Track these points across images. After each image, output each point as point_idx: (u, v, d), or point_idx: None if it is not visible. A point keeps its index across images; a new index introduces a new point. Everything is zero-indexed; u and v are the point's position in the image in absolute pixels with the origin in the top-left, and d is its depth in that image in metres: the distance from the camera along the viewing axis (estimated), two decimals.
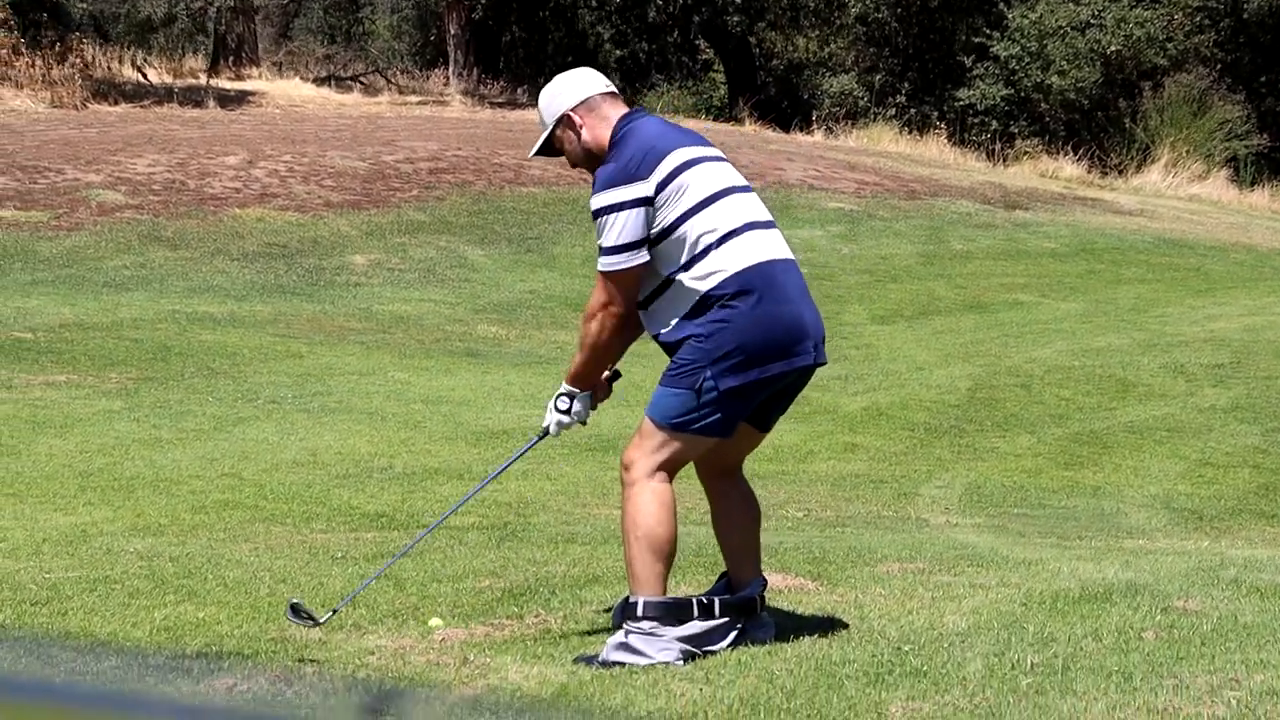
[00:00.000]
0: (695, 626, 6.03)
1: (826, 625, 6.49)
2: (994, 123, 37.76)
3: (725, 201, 6.03)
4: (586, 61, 46.40)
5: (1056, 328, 19.60)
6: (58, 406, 12.99)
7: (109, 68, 35.09)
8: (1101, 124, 37.96)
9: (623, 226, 5.92)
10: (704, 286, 5.92)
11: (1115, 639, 6.12)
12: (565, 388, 6.33)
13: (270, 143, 26.42)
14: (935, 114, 38.54)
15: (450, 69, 43.26)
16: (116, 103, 31.37)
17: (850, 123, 38.14)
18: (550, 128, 6.25)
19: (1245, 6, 38.30)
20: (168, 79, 35.13)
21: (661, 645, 5.96)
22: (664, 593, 6.05)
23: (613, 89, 6.29)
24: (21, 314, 16.42)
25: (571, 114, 6.18)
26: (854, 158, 32.04)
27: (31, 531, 8.96)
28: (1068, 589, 7.10)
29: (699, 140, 6.25)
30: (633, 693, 5.52)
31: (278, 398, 13.81)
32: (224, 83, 35.63)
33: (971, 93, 38.23)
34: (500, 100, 37.51)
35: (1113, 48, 37.34)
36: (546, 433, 6.49)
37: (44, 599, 7.02)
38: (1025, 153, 36.18)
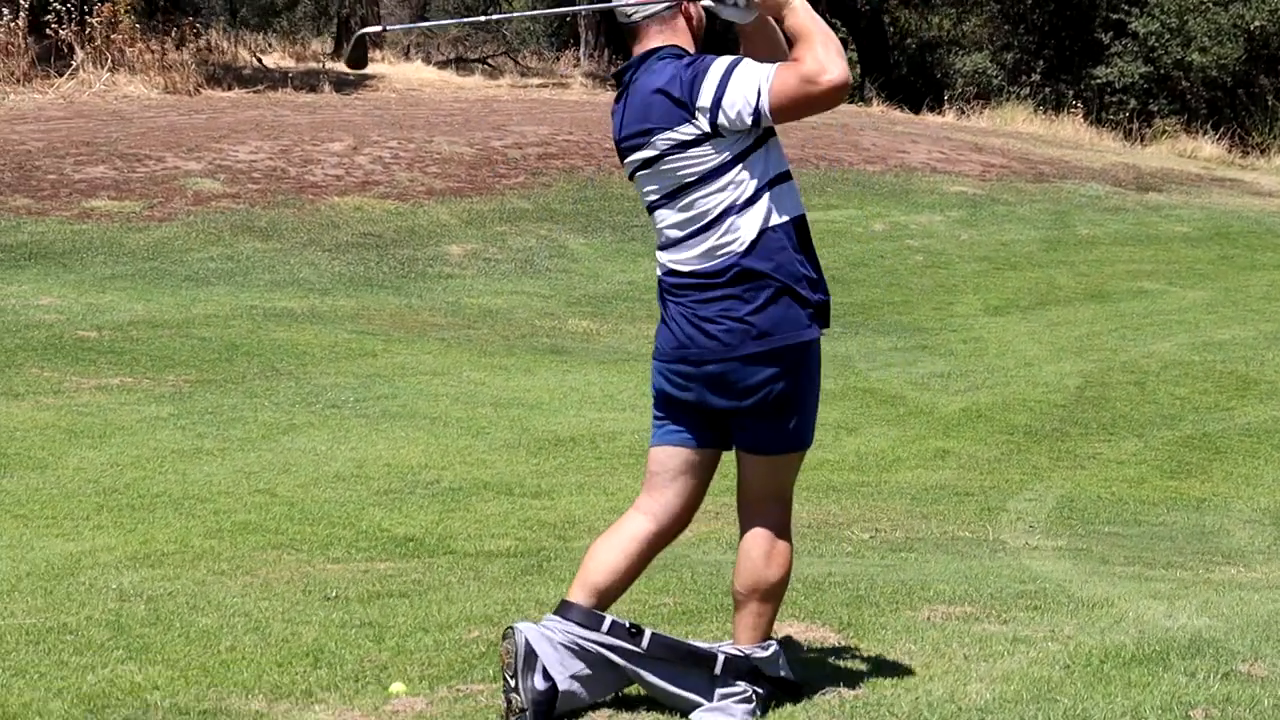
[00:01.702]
0: (597, 636, 5.43)
1: (833, 696, 5.66)
2: (1132, 101, 36.61)
3: (651, 219, 5.60)
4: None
5: (1180, 319, 18.57)
6: (102, 413, 12.38)
7: (231, 52, 34.72)
8: (1244, 102, 36.63)
9: None
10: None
11: (1158, 719, 5.26)
12: None
13: (379, 128, 25.83)
14: (1071, 93, 37.42)
15: (580, 50, 42.65)
16: (230, 88, 30.92)
17: (983, 102, 37.12)
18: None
19: None
20: (289, 63, 34.71)
21: (550, 627, 5.44)
22: (585, 602, 5.52)
23: (653, 6, 5.38)
24: (92, 310, 15.87)
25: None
26: (982, 139, 30.98)
27: (18, 563, 8.32)
28: (1122, 646, 6.23)
29: (631, 146, 5.49)
30: None
31: (338, 401, 13.14)
32: (344, 66, 35.11)
33: (1109, 70, 37.08)
34: None
35: (1257, 23, 36.04)
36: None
37: None
38: (1164, 132, 35.00)
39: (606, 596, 5.49)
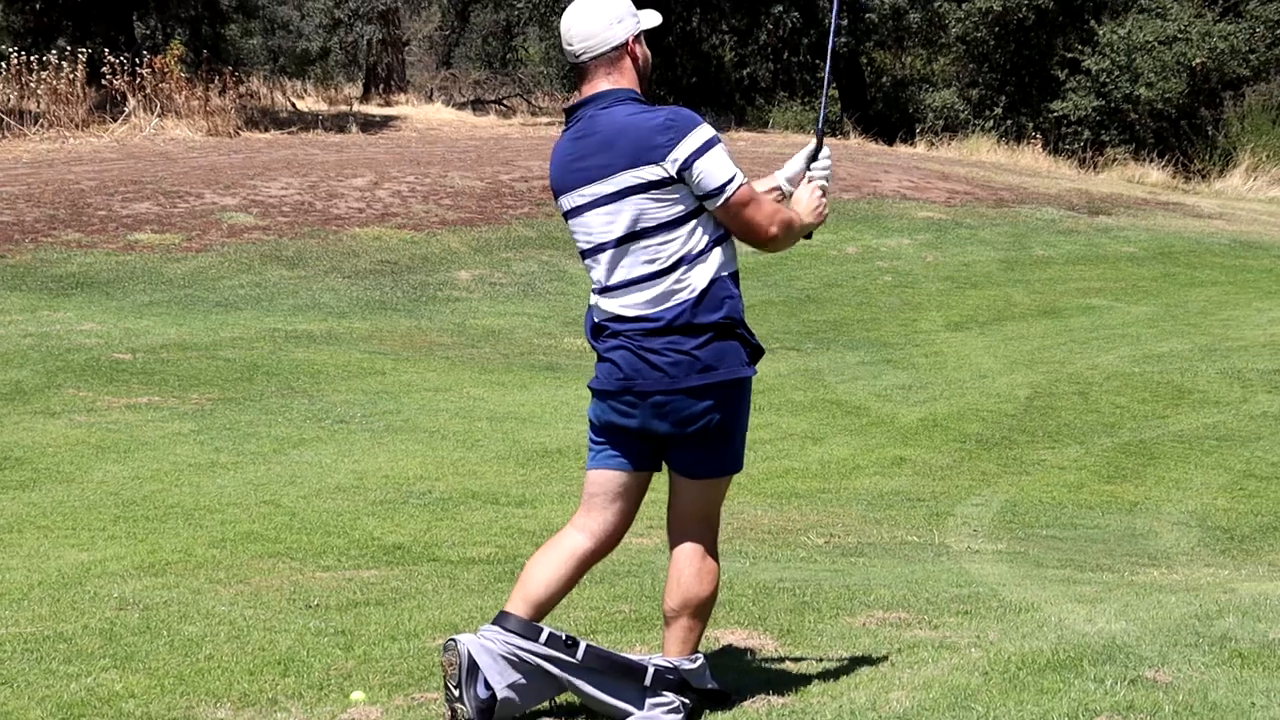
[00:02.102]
0: (533, 646, 5.16)
1: (762, 703, 5.43)
2: (1086, 132, 36.31)
3: (589, 261, 5.31)
4: (712, 81, 45.40)
5: (1124, 332, 18.31)
6: (130, 430, 12.17)
7: (269, 97, 34.58)
8: (1186, 132, 36.35)
9: None
10: (586, 319, 5.49)
11: None
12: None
13: (398, 165, 25.62)
14: (1030, 125, 37.13)
15: None
16: (267, 130, 30.75)
17: (951, 134, 36.89)
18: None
19: None
20: (321, 106, 34.55)
21: (491, 639, 5.16)
22: (523, 615, 5.24)
23: (603, 46, 5.18)
24: (129, 335, 15.66)
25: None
26: (949, 168, 30.72)
27: (32, 572, 8.11)
28: (1039, 651, 5.99)
29: (582, 179, 5.20)
30: None
31: (347, 417, 12.92)
32: (371, 109, 34.98)
33: (1065, 104, 36.79)
34: None
35: (1197, 60, 35.77)
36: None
37: None
38: (1114, 160, 34.71)
39: (543, 608, 5.27)
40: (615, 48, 5.21)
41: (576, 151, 5.22)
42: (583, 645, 5.22)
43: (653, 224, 5.15)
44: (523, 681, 5.13)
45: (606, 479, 5.35)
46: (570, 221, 5.31)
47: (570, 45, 5.23)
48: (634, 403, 5.22)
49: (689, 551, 5.36)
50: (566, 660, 5.17)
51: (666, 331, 5.17)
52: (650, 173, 5.12)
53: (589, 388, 5.37)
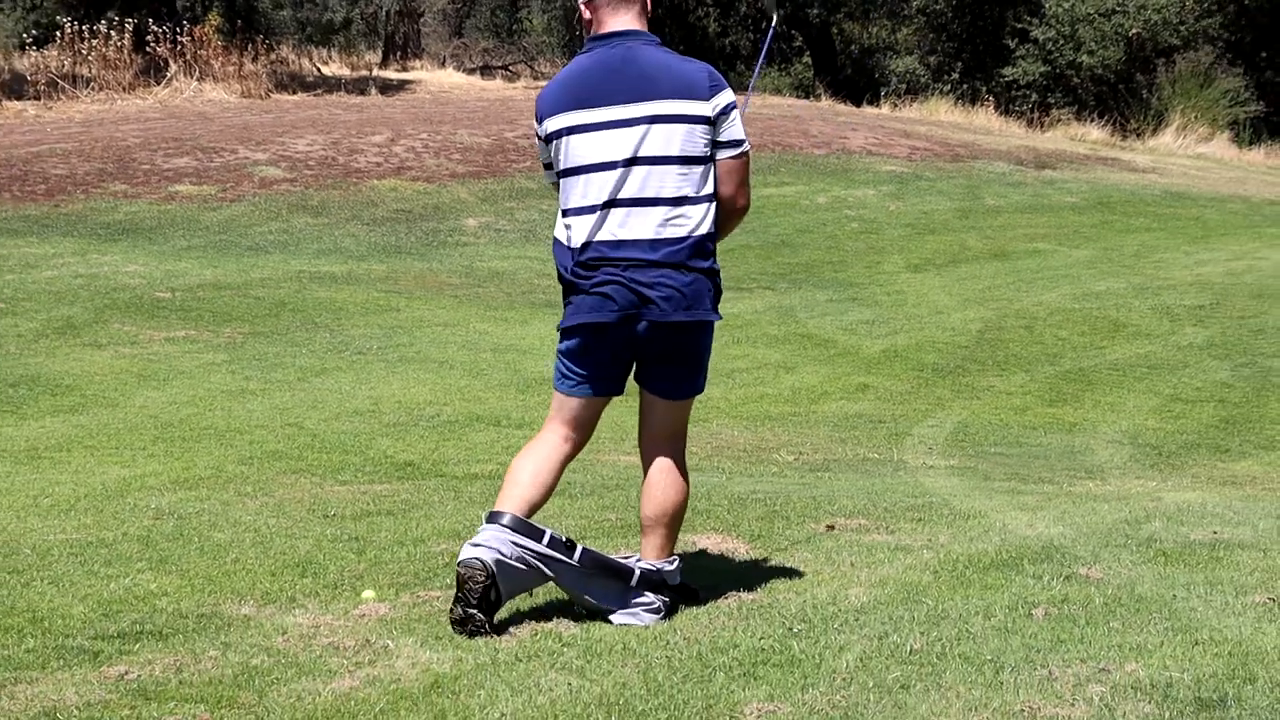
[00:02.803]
0: (536, 545, 5.05)
1: (733, 600, 5.39)
2: (1034, 95, 36.14)
3: (581, 179, 5.11)
4: (698, 49, 45.11)
5: (1066, 273, 18.20)
6: (168, 360, 12.08)
7: (297, 63, 34.27)
8: (1123, 95, 36.12)
9: (539, 148, 5.32)
10: (563, 238, 5.22)
11: (1005, 617, 4.98)
12: None
13: (413, 124, 25.41)
14: (984, 89, 36.94)
15: None
16: (295, 93, 30.47)
17: (912, 97, 36.70)
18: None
19: None
20: (344, 72, 34.26)
21: (502, 538, 5.02)
22: (520, 513, 5.11)
23: None
24: (169, 276, 15.54)
25: (583, 6, 5.22)
26: (910, 127, 30.52)
27: (79, 486, 8.04)
28: (984, 553, 5.96)
29: (613, 98, 5.05)
30: (500, 687, 4.46)
31: (364, 349, 12.83)
32: (389, 73, 34.69)
33: (1014, 70, 36.60)
34: None
35: (1134, 30, 35.57)
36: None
37: (23, 567, 6.06)
38: (1059, 120, 34.50)
39: (534, 507, 5.18)
40: None
41: (603, 73, 5.06)
42: (579, 548, 5.15)
43: (673, 154, 5.04)
44: (518, 580, 5.07)
45: (587, 404, 5.26)
46: (560, 140, 5.11)
47: None
48: (627, 334, 5.12)
49: (664, 465, 5.30)
50: (564, 561, 5.11)
51: (657, 265, 5.08)
52: (693, 108, 5.05)
53: (568, 326, 5.16)
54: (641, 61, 5.06)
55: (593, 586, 5.16)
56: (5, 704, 4.38)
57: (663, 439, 5.31)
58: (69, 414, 10.30)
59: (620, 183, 5.06)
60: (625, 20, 5.12)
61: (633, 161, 5.05)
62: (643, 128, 5.04)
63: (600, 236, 5.09)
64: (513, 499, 5.14)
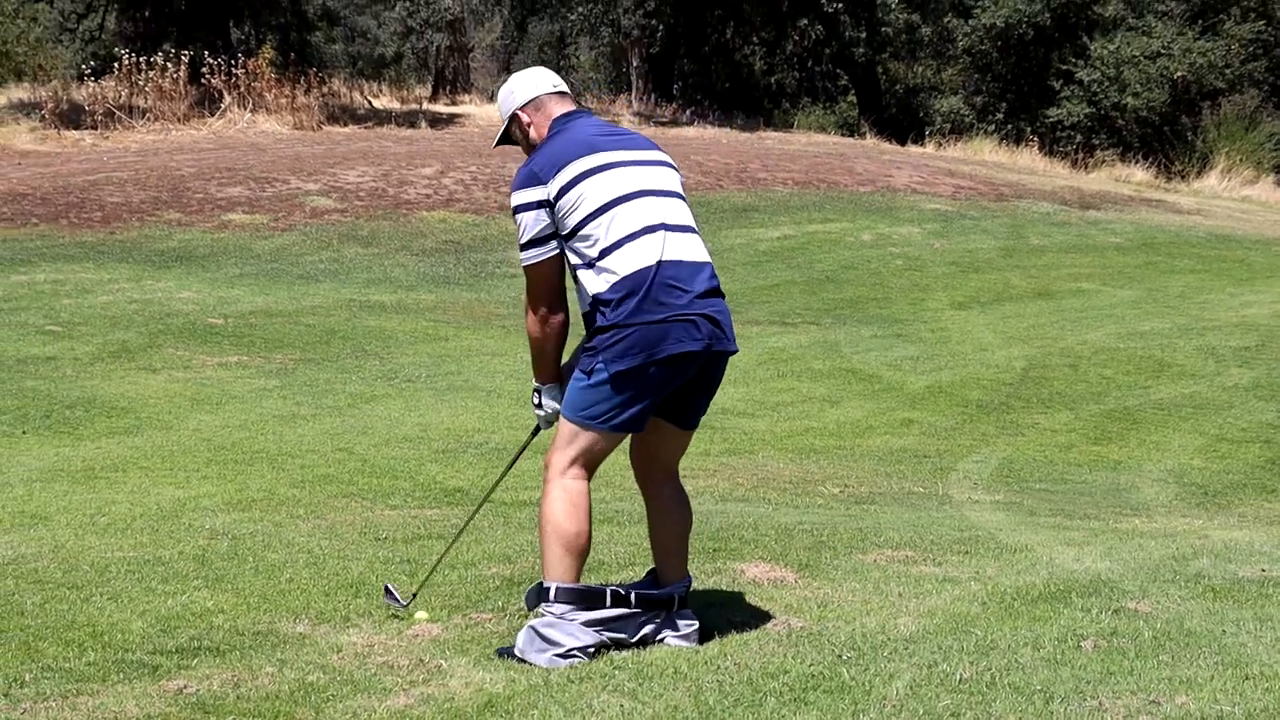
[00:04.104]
0: (606, 613, 5.05)
1: (782, 626, 5.40)
2: (1078, 136, 36.08)
3: (629, 205, 5.01)
4: (744, 87, 45.22)
5: (1110, 313, 18.13)
6: (221, 385, 12.18)
7: (349, 96, 34.54)
8: (1168, 137, 36.06)
9: (527, 225, 5.03)
10: (600, 286, 4.97)
11: (1054, 648, 4.96)
12: (534, 384, 5.33)
13: (462, 156, 25.56)
14: (1028, 129, 36.89)
15: (632, 94, 42.32)
16: (346, 125, 30.70)
17: (956, 137, 36.67)
18: (505, 124, 5.34)
19: None
20: (395, 105, 34.49)
21: (569, 630, 4.98)
22: (576, 581, 5.04)
23: (561, 88, 5.28)
24: (222, 302, 15.67)
25: (520, 113, 5.25)
26: (955, 166, 30.52)
27: (135, 506, 8.11)
28: (1032, 585, 5.95)
29: (622, 145, 5.15)
30: (553, 708, 4.48)
31: (413, 376, 12.90)
32: (439, 107, 34.89)
33: (1059, 111, 36.56)
34: (665, 120, 36.36)
35: (1179, 73, 35.50)
36: (538, 428, 5.49)
37: (82, 583, 6.13)
38: (1103, 161, 34.44)
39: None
40: None
41: (596, 131, 5.17)
42: (633, 594, 5.16)
43: (681, 193, 5.23)
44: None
45: (618, 440, 5.14)
46: (582, 183, 4.97)
47: (557, 80, 5.29)
48: (700, 362, 5.05)
49: (679, 489, 5.38)
50: (627, 612, 5.12)
51: (715, 294, 5.11)
52: (673, 166, 5.30)
53: (660, 359, 4.93)
54: (613, 125, 5.32)
55: (647, 620, 5.17)
56: (68, 715, 4.43)
57: (674, 465, 5.35)
58: (124, 435, 10.39)
59: (668, 210, 5.10)
60: (568, 106, 5.27)
61: (671, 194, 5.15)
62: (660, 168, 5.19)
63: (669, 256, 5.00)
64: (571, 569, 5.06)
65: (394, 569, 6.42)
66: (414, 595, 5.74)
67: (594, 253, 4.97)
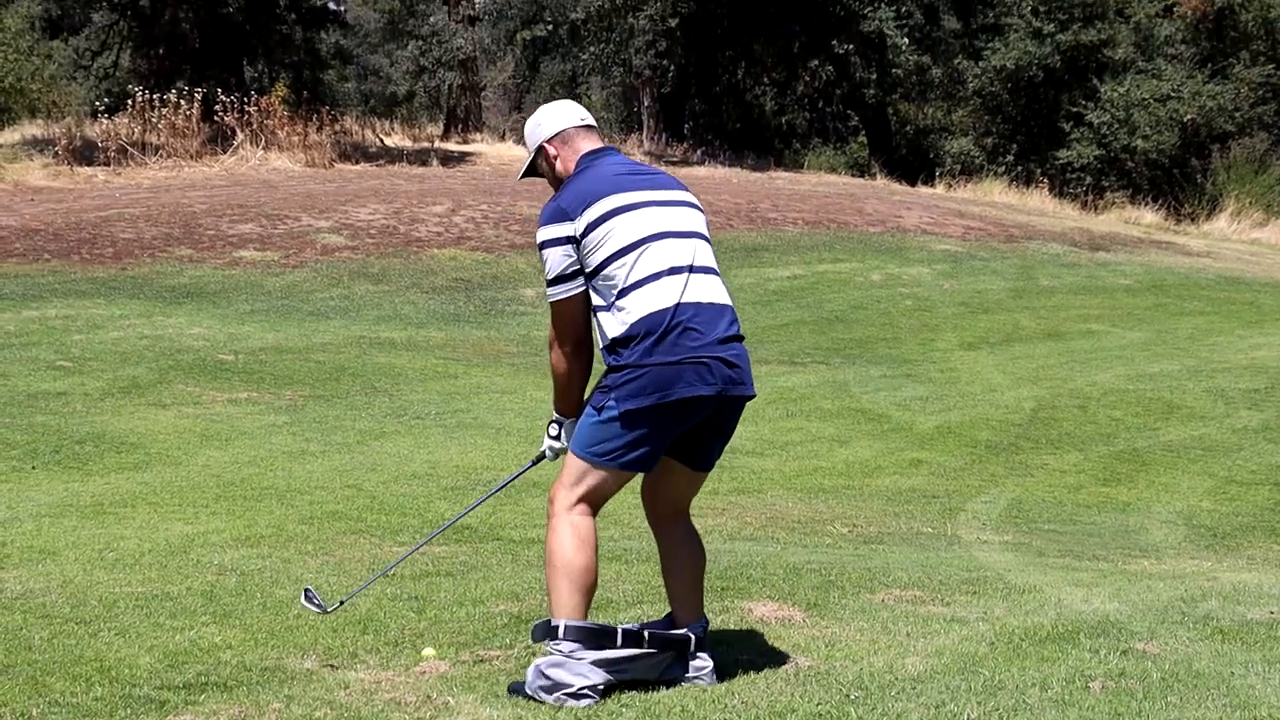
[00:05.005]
0: (615, 653, 5.00)
1: (790, 665, 5.39)
2: (1088, 178, 36.12)
3: (653, 247, 5.00)
4: (755, 127, 45.34)
5: (1119, 354, 18.14)
6: (231, 421, 12.20)
7: (360, 134, 34.68)
8: (1178, 180, 36.11)
9: (554, 261, 5.02)
10: (617, 328, 4.96)
11: (1062, 689, 4.96)
12: (554, 416, 5.33)
13: (473, 195, 25.64)
14: (1038, 170, 36.98)
15: (644, 133, 42.45)
16: (358, 162, 30.82)
17: (967, 178, 36.76)
18: (531, 156, 5.34)
19: None
20: (406, 143, 34.62)
21: (579, 670, 4.94)
22: (584, 619, 5.02)
23: (589, 122, 5.28)
24: (233, 339, 15.71)
25: (547, 145, 5.26)
26: (965, 207, 30.58)
27: (144, 541, 8.11)
28: (1040, 626, 5.93)
29: (649, 185, 5.14)
30: None
31: (423, 414, 12.92)
32: (451, 145, 35.01)
33: (1069, 153, 36.61)
34: (676, 159, 36.46)
35: (1188, 116, 35.56)
36: (543, 456, 5.49)
37: (90, 618, 6.13)
38: (1113, 203, 34.50)
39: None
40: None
41: (623, 169, 5.16)
42: (647, 634, 5.12)
43: (706, 234, 5.21)
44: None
45: (626, 479, 5.14)
46: (610, 221, 4.98)
47: (585, 114, 5.29)
48: (719, 405, 5.04)
49: (693, 529, 5.37)
50: (639, 653, 5.10)
51: (734, 339, 5.10)
52: (694, 199, 5.27)
53: (668, 402, 4.91)
54: (640, 164, 5.30)
55: (661, 662, 5.16)
56: None
57: (687, 505, 5.34)
58: (133, 471, 10.40)
59: (693, 252, 5.08)
60: (595, 141, 5.24)
61: (694, 235, 5.14)
62: (685, 209, 5.18)
63: (688, 298, 4.99)
64: (579, 606, 5.03)
65: (401, 605, 6.41)
66: (340, 603, 5.87)
67: (613, 295, 4.97)
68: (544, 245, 5.04)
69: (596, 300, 5.02)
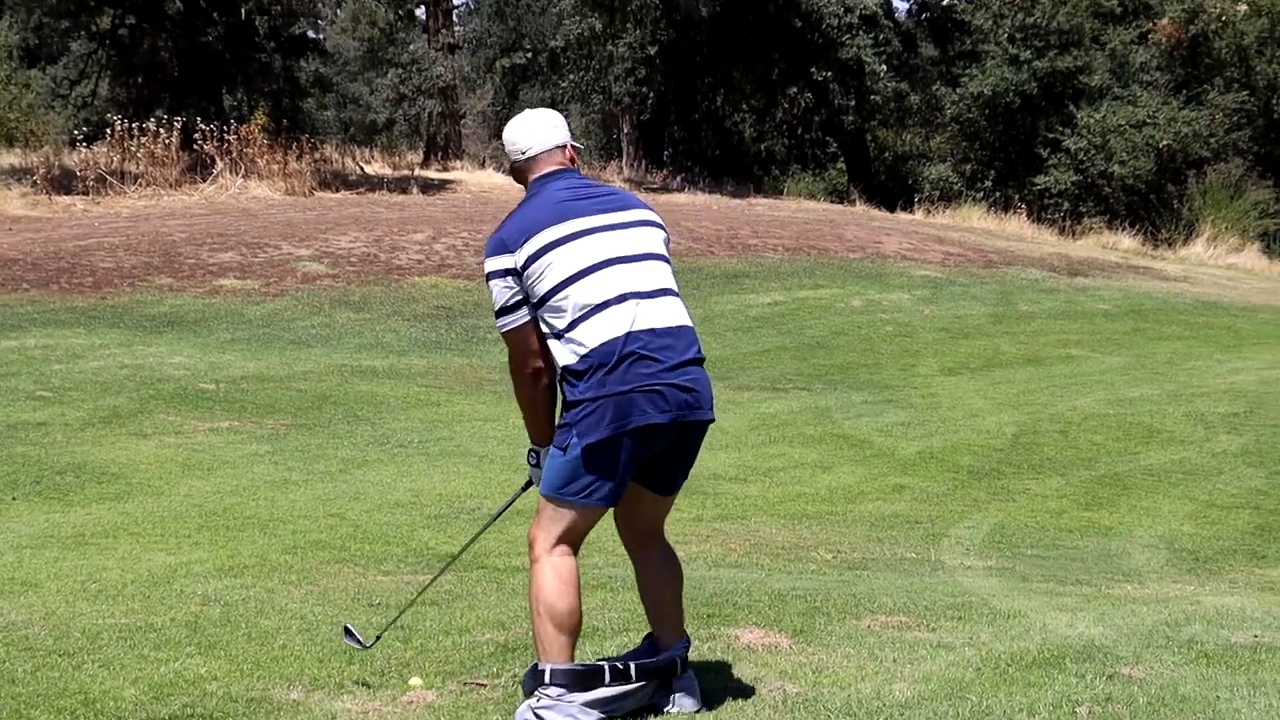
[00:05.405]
0: (605, 691, 4.99)
1: (777, 692, 5.38)
2: (1065, 203, 36.34)
3: (600, 274, 4.97)
4: (734, 154, 45.46)
5: (1099, 379, 18.18)
6: (212, 451, 12.17)
7: (340, 162, 34.69)
8: (1154, 205, 36.32)
9: (499, 293, 5.02)
10: (569, 358, 4.93)
11: (1049, 714, 4.97)
12: (529, 445, 5.31)
13: (454, 222, 25.65)
14: (1016, 196, 37.17)
15: (623, 160, 42.54)
16: (338, 190, 30.82)
17: (945, 203, 36.93)
18: (510, 170, 5.37)
19: (1275, 108, 36.75)
20: (386, 171, 34.64)
21: (569, 712, 4.92)
22: (570, 660, 5.00)
23: (550, 145, 5.19)
24: (214, 368, 15.68)
25: (514, 164, 5.29)
26: (944, 233, 30.68)
27: (126, 572, 8.08)
28: (1026, 650, 5.94)
29: (599, 209, 5.09)
30: None
31: (405, 442, 12.90)
32: (431, 173, 35.03)
33: (1047, 179, 36.84)
34: (655, 186, 36.53)
35: (1164, 142, 35.79)
36: (530, 484, 5.47)
37: (74, 650, 6.10)
38: (1090, 228, 34.68)
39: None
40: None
41: (572, 194, 5.09)
42: (634, 667, 5.10)
43: (662, 254, 5.19)
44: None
45: (598, 514, 5.11)
46: (549, 254, 4.95)
47: (549, 134, 5.21)
48: (676, 429, 5.01)
49: (668, 550, 5.37)
50: (629, 688, 5.09)
51: (693, 363, 5.06)
52: (655, 217, 5.25)
53: (618, 433, 4.89)
54: (597, 184, 5.24)
55: (647, 692, 5.16)
56: None
57: (660, 527, 5.34)
58: (115, 501, 10.37)
59: (643, 275, 5.04)
60: (551, 163, 5.19)
61: (646, 256, 5.10)
62: (639, 229, 5.14)
63: (640, 326, 4.95)
64: (566, 648, 5.01)
65: (388, 636, 6.39)
66: (377, 638, 5.85)
67: (562, 324, 4.94)
68: (489, 277, 5.05)
69: (545, 329, 4.99)
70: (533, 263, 4.94)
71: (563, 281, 4.93)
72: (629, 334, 4.92)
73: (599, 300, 4.93)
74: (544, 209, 5.03)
